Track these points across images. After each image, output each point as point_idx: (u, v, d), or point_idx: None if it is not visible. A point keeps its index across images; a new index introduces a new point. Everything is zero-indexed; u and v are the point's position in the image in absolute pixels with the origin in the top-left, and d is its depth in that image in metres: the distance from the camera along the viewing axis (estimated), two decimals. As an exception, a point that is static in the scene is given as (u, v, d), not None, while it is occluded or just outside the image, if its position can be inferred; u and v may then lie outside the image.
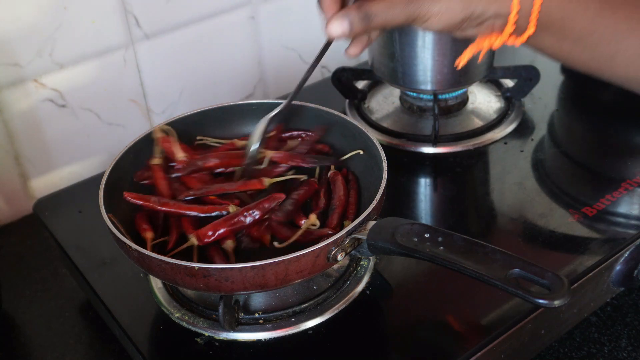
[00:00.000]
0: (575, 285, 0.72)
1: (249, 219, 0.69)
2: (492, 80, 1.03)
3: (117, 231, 0.64)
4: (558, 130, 0.96)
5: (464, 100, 0.99)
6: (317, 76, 1.18)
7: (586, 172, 0.90)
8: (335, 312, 0.70)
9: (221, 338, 0.68)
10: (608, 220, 0.80)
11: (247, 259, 0.61)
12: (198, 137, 0.81)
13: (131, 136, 0.77)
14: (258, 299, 0.70)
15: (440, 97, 0.95)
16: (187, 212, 0.70)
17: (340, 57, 1.23)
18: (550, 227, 0.79)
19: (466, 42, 0.65)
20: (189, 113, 0.80)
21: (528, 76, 0.96)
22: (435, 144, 0.92)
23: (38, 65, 0.90)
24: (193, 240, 0.67)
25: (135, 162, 0.76)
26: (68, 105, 0.95)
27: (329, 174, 0.77)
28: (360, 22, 0.61)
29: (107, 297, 0.73)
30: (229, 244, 0.68)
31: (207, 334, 0.68)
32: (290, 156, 0.77)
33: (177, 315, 0.70)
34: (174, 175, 0.75)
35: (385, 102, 1.02)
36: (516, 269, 0.58)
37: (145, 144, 0.77)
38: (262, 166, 0.76)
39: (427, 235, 0.63)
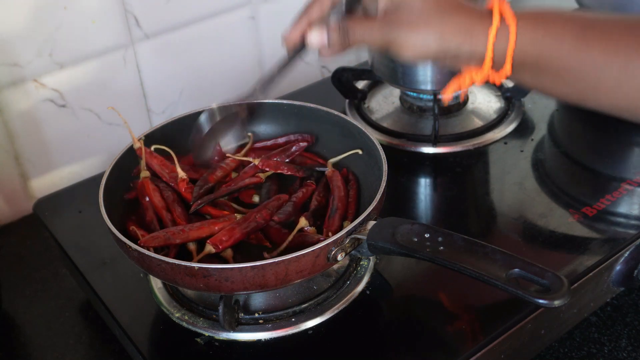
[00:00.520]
0: (575, 285, 0.72)
1: (262, 220, 0.69)
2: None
3: (117, 231, 0.64)
4: (558, 130, 0.96)
5: (464, 100, 0.99)
6: (317, 76, 1.18)
7: (586, 172, 0.90)
8: (335, 312, 0.70)
9: (221, 338, 0.68)
10: (608, 220, 0.80)
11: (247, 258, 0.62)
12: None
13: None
14: (258, 299, 0.70)
15: (440, 97, 0.95)
16: (203, 236, 0.70)
17: (340, 57, 1.23)
18: (550, 227, 0.79)
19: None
20: (188, 113, 0.80)
21: (528, 76, 0.96)
22: (435, 144, 0.92)
23: (38, 65, 0.90)
24: (210, 248, 0.67)
25: (135, 162, 0.76)
26: (68, 105, 0.95)
27: (326, 173, 0.77)
28: (338, 36, 0.64)
29: (107, 297, 0.73)
30: (228, 252, 0.68)
31: (207, 334, 0.68)
32: (277, 164, 0.78)
33: (177, 315, 0.70)
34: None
35: (385, 102, 1.02)
36: (516, 269, 0.58)
37: (145, 144, 0.77)
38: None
39: (427, 235, 0.63)
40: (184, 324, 0.69)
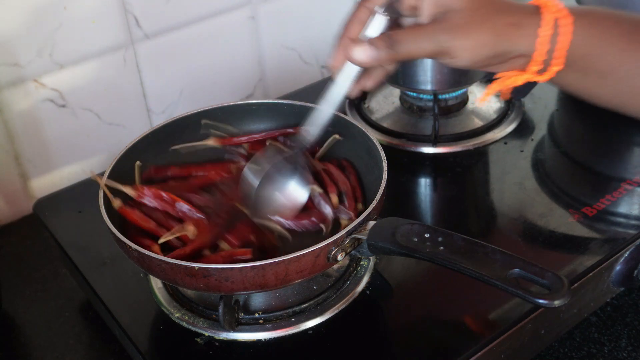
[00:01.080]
0: (575, 285, 0.72)
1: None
2: (492, 80, 1.02)
3: (117, 231, 0.64)
4: (558, 130, 0.96)
5: (464, 100, 0.99)
6: (317, 76, 1.18)
7: (586, 172, 0.90)
8: (335, 312, 0.70)
9: (221, 338, 0.68)
10: (608, 220, 0.80)
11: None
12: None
13: (131, 136, 0.77)
14: (258, 299, 0.70)
15: (440, 97, 0.95)
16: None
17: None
18: (550, 227, 0.79)
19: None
20: (189, 113, 0.80)
21: (528, 76, 0.96)
22: (435, 144, 0.92)
23: (38, 65, 0.90)
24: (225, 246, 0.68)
25: (135, 162, 0.76)
26: (68, 105, 0.95)
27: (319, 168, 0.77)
28: (385, 49, 0.60)
29: (107, 297, 0.73)
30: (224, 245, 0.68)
31: (207, 334, 0.68)
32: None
33: (177, 315, 0.70)
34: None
35: (385, 102, 1.02)
36: (516, 269, 0.58)
37: (145, 144, 0.77)
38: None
39: (427, 235, 0.63)
40: (184, 324, 0.69)
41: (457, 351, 0.66)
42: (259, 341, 0.68)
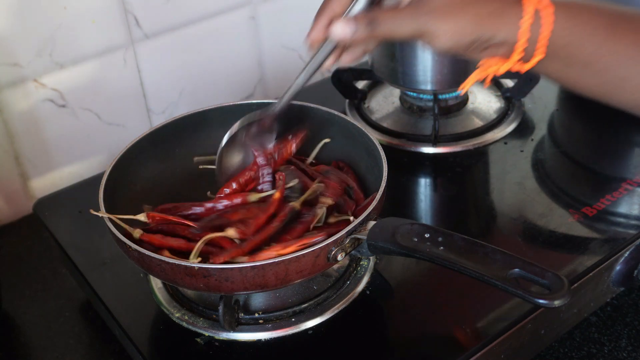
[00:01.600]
0: (575, 285, 0.72)
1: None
2: (492, 80, 1.02)
3: (117, 231, 0.64)
4: (558, 130, 0.96)
5: (464, 100, 0.99)
6: (317, 76, 1.17)
7: (586, 172, 0.90)
8: (335, 312, 0.70)
9: (221, 338, 0.68)
10: (608, 220, 0.80)
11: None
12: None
13: (131, 136, 0.77)
14: (258, 299, 0.70)
15: (440, 97, 0.95)
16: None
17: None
18: (550, 227, 0.79)
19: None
20: (189, 113, 0.80)
21: (528, 76, 0.96)
22: (435, 144, 0.92)
23: (38, 65, 0.90)
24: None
25: (135, 162, 0.76)
26: (68, 105, 0.95)
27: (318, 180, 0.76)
28: (365, 27, 0.60)
29: (107, 297, 0.73)
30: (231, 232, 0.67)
31: (207, 334, 0.68)
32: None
33: (177, 315, 0.70)
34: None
35: (385, 102, 1.02)
36: (516, 269, 0.58)
37: (145, 144, 0.77)
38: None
39: (427, 235, 0.63)
40: (184, 324, 0.69)
41: (457, 351, 0.66)
42: (259, 341, 0.68)
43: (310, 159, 0.80)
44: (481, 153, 0.92)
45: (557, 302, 0.56)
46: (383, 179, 0.69)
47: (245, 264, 0.60)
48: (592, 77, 0.61)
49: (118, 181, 0.73)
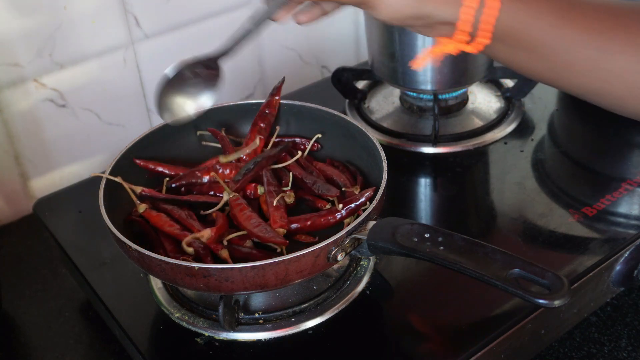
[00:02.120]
0: (575, 285, 0.72)
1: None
2: (492, 80, 1.03)
3: (117, 231, 0.64)
4: (558, 130, 0.96)
5: (464, 100, 0.99)
6: (317, 76, 1.18)
7: (586, 172, 0.90)
8: (335, 312, 0.70)
9: (221, 338, 0.68)
10: (608, 220, 0.80)
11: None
12: (199, 133, 0.81)
13: (131, 136, 0.77)
14: (258, 299, 0.70)
15: (440, 97, 0.95)
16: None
17: (340, 57, 1.23)
18: (550, 227, 0.79)
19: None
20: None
21: (528, 76, 0.96)
22: (435, 144, 0.92)
23: (38, 65, 0.90)
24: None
25: (134, 161, 0.76)
26: (68, 105, 0.95)
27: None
28: None
29: (107, 297, 0.73)
30: (223, 253, 0.68)
31: (207, 334, 0.68)
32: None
33: (177, 315, 0.70)
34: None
35: (385, 102, 1.02)
36: (516, 269, 0.58)
37: (145, 144, 0.77)
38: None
39: (427, 235, 0.63)
40: (184, 324, 0.69)
41: (457, 351, 0.66)
42: (259, 341, 0.68)
43: (305, 153, 0.80)
44: (481, 153, 0.92)
45: (557, 302, 0.56)
46: (383, 179, 0.69)
47: (246, 264, 0.60)
48: (540, 62, 0.61)
49: (118, 181, 0.73)
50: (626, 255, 0.76)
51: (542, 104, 1.00)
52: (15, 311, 0.80)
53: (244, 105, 0.82)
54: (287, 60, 1.14)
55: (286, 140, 0.81)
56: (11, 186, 0.96)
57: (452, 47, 0.62)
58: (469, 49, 0.61)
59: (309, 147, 0.80)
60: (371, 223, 0.65)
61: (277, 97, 0.81)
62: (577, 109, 1.00)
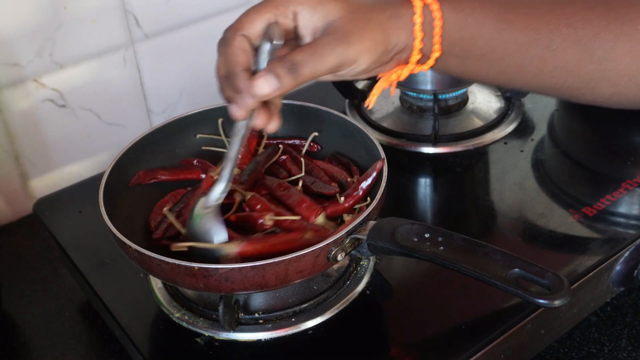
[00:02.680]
0: (575, 285, 0.72)
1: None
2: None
3: (117, 231, 0.64)
4: (558, 130, 0.96)
5: (464, 100, 0.99)
6: (317, 76, 1.17)
7: (586, 172, 0.90)
8: (335, 312, 0.70)
9: (221, 338, 0.68)
10: (608, 220, 0.80)
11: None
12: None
13: (131, 136, 0.77)
14: (258, 299, 0.70)
15: (440, 97, 0.95)
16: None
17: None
18: (550, 227, 0.79)
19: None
20: (189, 113, 0.80)
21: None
22: (435, 144, 0.92)
23: (38, 65, 0.90)
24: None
25: (135, 162, 0.76)
26: (68, 105, 0.95)
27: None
28: (288, 75, 0.55)
29: (107, 297, 0.73)
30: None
31: (207, 334, 0.68)
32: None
33: (177, 315, 0.70)
34: None
35: (385, 102, 1.02)
36: (516, 269, 0.58)
37: (145, 144, 0.77)
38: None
39: (427, 235, 0.63)
40: (184, 324, 0.69)
41: (457, 351, 0.66)
42: (259, 341, 0.68)
43: (303, 151, 0.80)
44: (481, 153, 0.92)
45: (557, 302, 0.56)
46: (383, 179, 0.69)
47: (246, 264, 0.60)
48: (490, 68, 0.62)
49: (118, 181, 0.73)
50: (626, 255, 0.76)
51: (542, 104, 1.00)
52: (15, 311, 0.80)
53: (244, 105, 0.82)
54: (287, 60, 1.14)
55: (275, 142, 0.81)
56: (11, 186, 0.96)
57: (405, 71, 0.62)
58: (421, 68, 0.62)
59: (306, 146, 0.80)
60: (371, 223, 0.65)
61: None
62: (577, 109, 1.00)
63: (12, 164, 0.94)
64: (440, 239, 0.62)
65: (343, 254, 0.64)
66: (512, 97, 0.99)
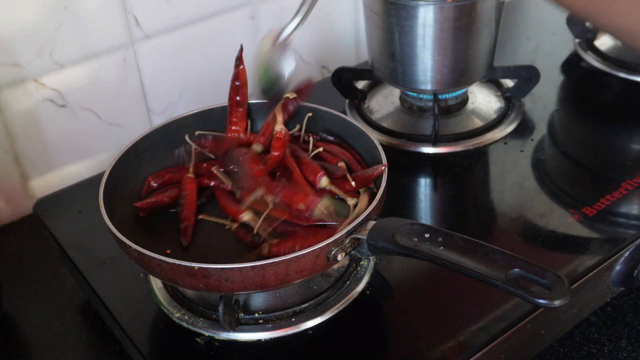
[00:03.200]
0: (575, 285, 0.72)
1: None
2: (492, 80, 1.03)
3: (117, 231, 0.64)
4: (558, 130, 0.96)
5: (464, 100, 0.99)
6: (317, 76, 1.18)
7: (586, 172, 0.90)
8: (335, 312, 0.70)
9: (221, 338, 0.68)
10: (608, 220, 0.80)
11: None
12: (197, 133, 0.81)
13: (131, 136, 0.77)
14: (258, 299, 0.70)
15: (440, 97, 0.95)
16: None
17: (340, 57, 1.23)
18: (550, 227, 0.79)
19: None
20: (189, 113, 0.80)
21: (528, 76, 0.96)
22: (435, 144, 0.92)
23: (38, 65, 0.90)
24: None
25: (135, 162, 0.76)
26: (68, 105, 0.95)
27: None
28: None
29: (107, 297, 0.73)
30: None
31: (207, 334, 0.68)
32: None
33: (177, 315, 0.70)
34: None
35: (385, 102, 1.02)
36: (516, 269, 0.58)
37: (145, 144, 0.77)
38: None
39: (427, 235, 0.63)
40: (184, 324, 0.69)
41: (457, 351, 0.66)
42: (259, 341, 0.68)
43: (296, 129, 0.81)
44: (481, 153, 0.92)
45: (557, 302, 0.56)
46: (383, 179, 0.69)
47: (246, 264, 0.60)
48: None
49: (118, 181, 0.73)
50: (626, 255, 0.76)
51: (542, 104, 1.00)
52: (15, 311, 0.80)
53: (244, 105, 0.82)
54: (287, 60, 1.14)
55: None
56: (11, 186, 0.96)
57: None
58: None
59: (303, 127, 0.80)
60: (371, 223, 0.65)
61: (241, 67, 0.83)
62: (577, 109, 1.00)
63: (12, 164, 0.94)
64: (440, 239, 0.62)
65: (343, 254, 0.64)
66: (512, 97, 0.99)
